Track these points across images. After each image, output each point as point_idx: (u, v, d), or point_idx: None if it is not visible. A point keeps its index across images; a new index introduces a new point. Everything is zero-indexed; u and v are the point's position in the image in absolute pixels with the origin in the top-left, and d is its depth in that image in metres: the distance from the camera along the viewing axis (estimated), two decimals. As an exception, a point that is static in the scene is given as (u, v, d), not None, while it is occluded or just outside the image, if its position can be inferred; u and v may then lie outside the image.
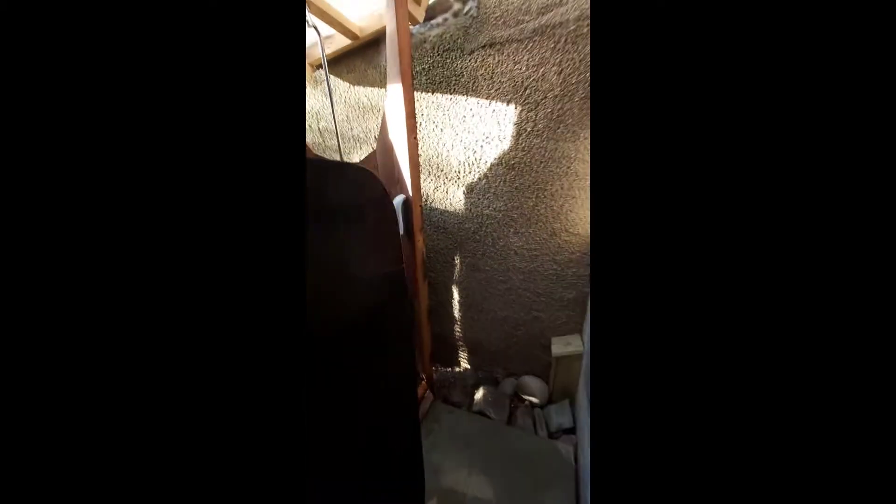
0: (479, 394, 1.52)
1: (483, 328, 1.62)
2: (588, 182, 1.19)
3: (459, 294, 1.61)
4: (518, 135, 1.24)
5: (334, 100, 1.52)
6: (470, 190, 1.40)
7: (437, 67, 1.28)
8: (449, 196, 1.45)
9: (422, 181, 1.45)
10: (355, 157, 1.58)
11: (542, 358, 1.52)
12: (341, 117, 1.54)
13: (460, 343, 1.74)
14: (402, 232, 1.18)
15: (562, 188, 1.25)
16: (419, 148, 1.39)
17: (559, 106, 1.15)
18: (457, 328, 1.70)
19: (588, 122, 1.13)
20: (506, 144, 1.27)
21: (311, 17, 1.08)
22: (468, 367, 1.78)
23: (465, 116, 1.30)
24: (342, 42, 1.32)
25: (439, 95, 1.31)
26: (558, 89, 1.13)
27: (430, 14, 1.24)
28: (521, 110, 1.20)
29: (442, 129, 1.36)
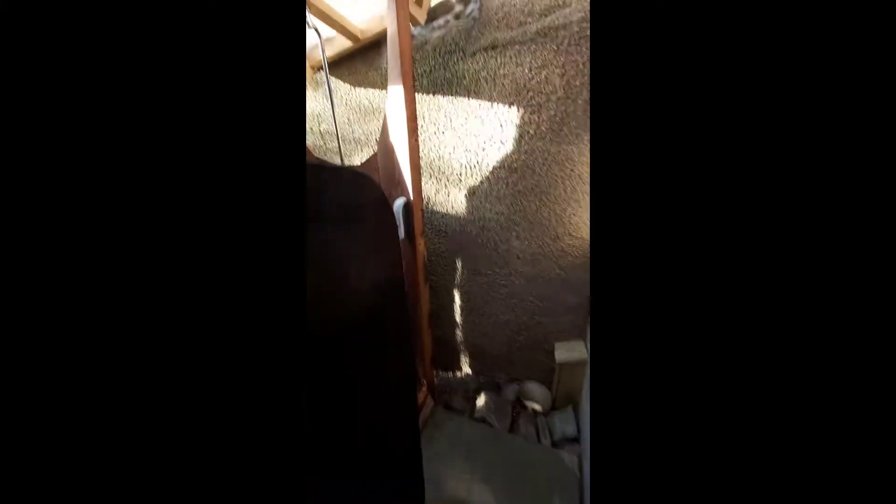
0: (480, 400, 1.49)
1: (485, 333, 1.60)
2: (592, 185, 1.17)
3: (461, 298, 1.59)
4: (520, 137, 1.22)
5: (335, 102, 1.51)
6: (472, 193, 1.38)
7: (438, 69, 1.27)
8: (450, 199, 1.44)
9: (423, 184, 1.44)
10: (356, 159, 1.57)
11: (545, 363, 1.50)
12: (342, 119, 1.53)
13: (462, 347, 1.72)
14: (402, 235, 1.16)
15: (565, 192, 1.23)
16: (420, 150, 1.38)
17: (562, 108, 1.14)
18: (458, 332, 1.68)
19: (592, 125, 1.11)
20: (508, 147, 1.26)
21: (311, 19, 1.07)
22: (469, 371, 1.75)
23: (466, 119, 1.28)
24: (343, 44, 1.31)
25: (441, 98, 1.30)
26: (561, 92, 1.12)
27: (432, 16, 1.23)
28: (524, 113, 1.19)
29: (443, 132, 1.34)
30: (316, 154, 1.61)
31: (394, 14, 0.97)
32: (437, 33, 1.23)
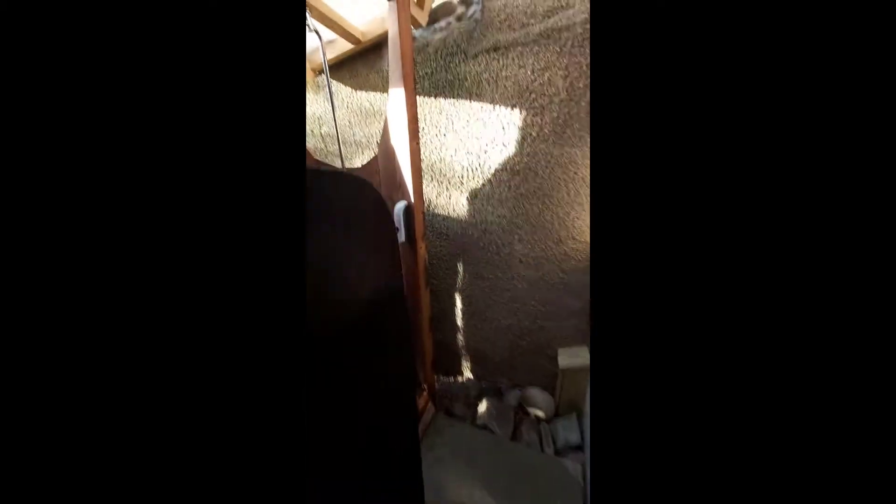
0: (482, 406, 1.47)
1: (486, 337, 1.58)
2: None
3: (462, 302, 1.58)
4: (523, 140, 1.21)
5: (336, 105, 1.50)
6: (473, 196, 1.37)
7: (440, 72, 1.26)
8: (452, 202, 1.42)
9: (424, 187, 1.43)
10: (357, 162, 1.57)
11: (547, 368, 1.47)
12: (343, 122, 1.53)
13: (463, 352, 1.70)
14: (403, 239, 1.15)
15: (568, 194, 1.21)
16: (422, 153, 1.37)
17: (565, 110, 1.12)
18: (459, 337, 1.66)
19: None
20: (510, 150, 1.24)
21: (312, 22, 1.06)
22: (471, 376, 1.73)
23: (468, 121, 1.27)
24: (344, 46, 1.30)
25: (442, 100, 1.29)
26: (564, 93, 1.11)
27: (434, 18, 1.22)
28: (527, 115, 1.18)
29: (445, 134, 1.33)
30: (317, 157, 1.60)
31: (395, 16, 0.96)
32: (438, 35, 1.22)
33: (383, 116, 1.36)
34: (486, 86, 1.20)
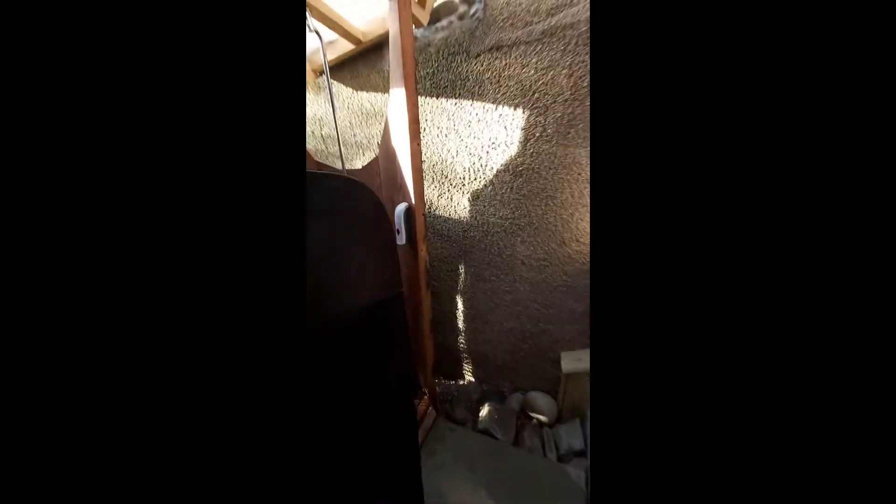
0: (484, 410, 1.45)
1: (488, 340, 1.56)
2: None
3: (464, 305, 1.56)
4: (526, 140, 1.19)
5: (337, 105, 1.49)
6: (475, 197, 1.35)
7: (441, 71, 1.25)
8: (454, 203, 1.41)
9: (426, 188, 1.41)
10: (358, 163, 1.55)
11: (550, 372, 1.45)
12: (344, 123, 1.51)
13: (465, 355, 1.68)
14: (404, 241, 1.13)
15: (572, 196, 1.19)
16: (423, 154, 1.35)
17: (569, 110, 1.10)
18: (461, 340, 1.64)
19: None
20: (513, 150, 1.22)
21: (312, 22, 1.05)
22: (472, 379, 1.71)
23: (470, 121, 1.25)
24: (345, 47, 1.29)
25: (444, 100, 1.27)
26: (568, 93, 1.09)
27: (435, 17, 1.21)
28: (530, 115, 1.16)
29: (447, 135, 1.32)
30: (317, 158, 1.59)
31: (396, 15, 0.95)
32: (440, 35, 1.21)
33: (384, 117, 1.35)
34: (489, 85, 1.18)
